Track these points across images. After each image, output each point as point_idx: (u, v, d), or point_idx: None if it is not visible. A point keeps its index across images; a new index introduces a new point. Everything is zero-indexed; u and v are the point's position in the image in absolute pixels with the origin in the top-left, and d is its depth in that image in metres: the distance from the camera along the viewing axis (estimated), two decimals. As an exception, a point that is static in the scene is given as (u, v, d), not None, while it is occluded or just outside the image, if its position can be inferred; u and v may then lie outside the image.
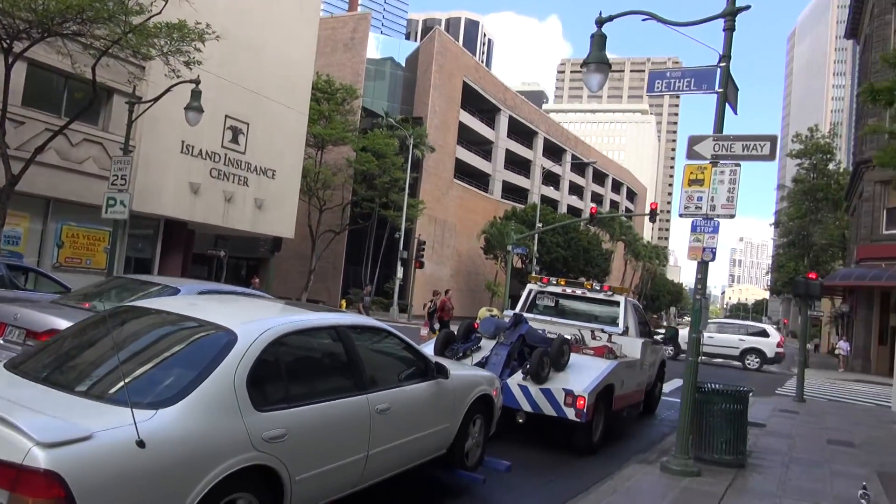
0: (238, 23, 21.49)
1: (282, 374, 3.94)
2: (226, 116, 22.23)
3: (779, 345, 26.06)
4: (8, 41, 12.85)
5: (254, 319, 4.03)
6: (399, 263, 37.33)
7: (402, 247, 37.61)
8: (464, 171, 57.30)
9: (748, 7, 6.58)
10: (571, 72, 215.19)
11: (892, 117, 20.43)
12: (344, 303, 39.34)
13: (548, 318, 9.81)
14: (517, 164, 67.23)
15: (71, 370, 3.74)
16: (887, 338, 28.18)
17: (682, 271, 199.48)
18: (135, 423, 2.95)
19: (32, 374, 3.59)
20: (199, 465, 3.17)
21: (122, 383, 3.33)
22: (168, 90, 15.24)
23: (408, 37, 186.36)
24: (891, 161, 18.98)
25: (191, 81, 14.81)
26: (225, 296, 7.12)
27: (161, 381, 3.43)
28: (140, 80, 17.86)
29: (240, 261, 46.21)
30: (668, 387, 12.84)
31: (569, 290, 10.12)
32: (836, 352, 30.63)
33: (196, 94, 14.74)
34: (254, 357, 3.63)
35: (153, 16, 13.28)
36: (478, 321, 9.03)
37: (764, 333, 26.97)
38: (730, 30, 6.66)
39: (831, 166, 50.19)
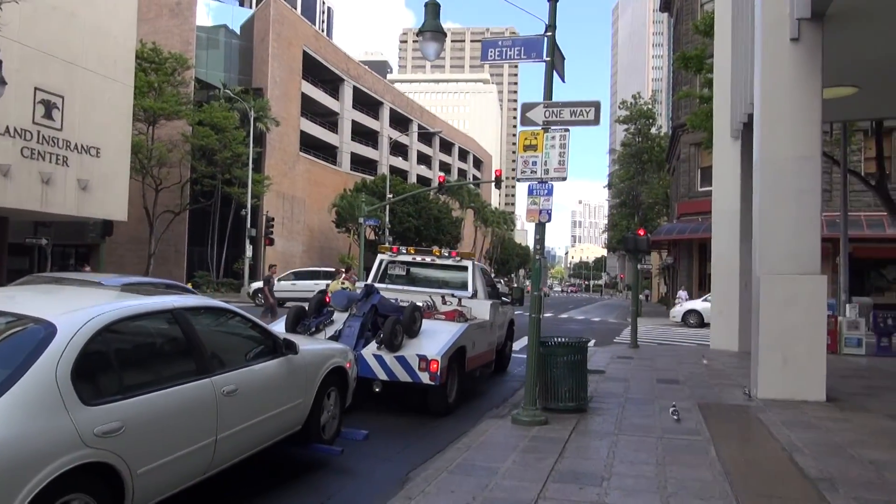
0: (43, -16, 19.32)
1: (112, 364, 3.67)
2: (35, 89, 20.03)
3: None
4: None
5: (76, 309, 3.71)
6: (248, 242, 35.93)
7: (249, 224, 36.18)
8: (310, 144, 56.00)
9: (570, -22, 6.91)
10: (414, 41, 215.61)
11: (703, 82, 22.57)
12: (190, 285, 37.31)
13: (399, 287, 9.92)
14: (364, 135, 66.76)
15: None
16: (705, 285, 31.45)
17: (529, 235, 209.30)
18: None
19: None
20: (21, 469, 2.90)
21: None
22: (-40, 59, 13.43)
23: (241, 3, 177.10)
24: (701, 123, 21.01)
25: (-12, 50, 13.17)
26: (49, 286, 6.52)
27: (-31, 384, 3.08)
28: (-76, 48, 15.62)
29: (66, 248, 42.27)
30: (517, 345, 13.51)
31: (418, 259, 10.28)
32: (676, 301, 32.24)
33: (-4, 64, 13.12)
34: (77, 349, 3.35)
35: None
36: (329, 294, 8.94)
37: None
38: (553, 1, 6.96)
39: (654, 130, 54.64)
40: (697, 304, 26.51)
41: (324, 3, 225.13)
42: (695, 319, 25.64)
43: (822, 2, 8.06)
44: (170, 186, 37.36)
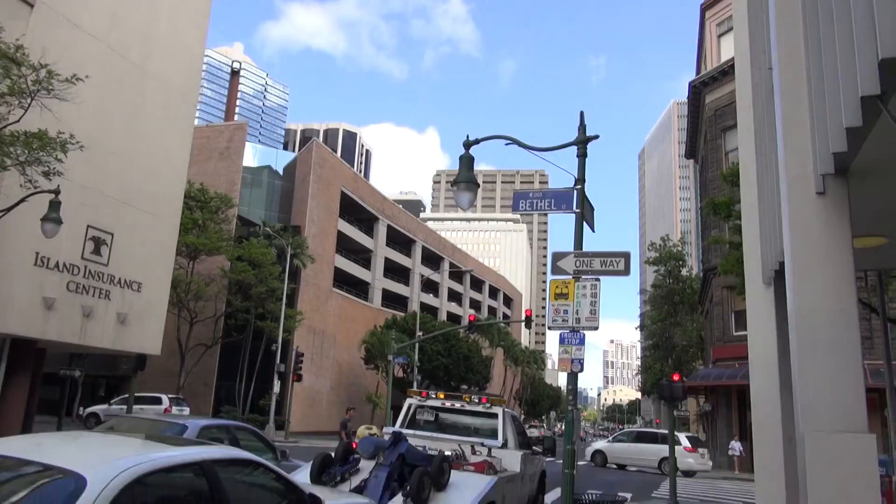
0: (106, 130, 20.90)
1: (139, 519, 3.60)
2: (88, 226, 21.07)
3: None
4: None
5: (105, 460, 3.69)
6: (276, 377, 35.81)
7: (278, 360, 36.24)
8: (343, 280, 57.08)
9: (597, 136, 7.29)
10: (447, 182, 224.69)
11: (732, 228, 22.86)
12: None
13: (428, 434, 9.68)
14: (396, 272, 68.00)
15: None
16: (747, 434, 29.96)
17: (560, 375, 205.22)
18: None
19: None
20: None
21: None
22: (22, 201, 14.34)
23: (286, 147, 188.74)
24: (732, 268, 21.02)
25: (49, 192, 14.07)
26: (76, 433, 6.51)
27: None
28: (-9, 189, 16.74)
29: (98, 380, 42.61)
30: (549, 496, 12.85)
31: (448, 404, 10.10)
32: (729, 452, 30.55)
33: (55, 206, 13.97)
34: (107, 502, 3.30)
35: (10, 124, 12.67)
36: (356, 441, 8.75)
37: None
38: (582, 156, 7.30)
39: (684, 272, 54.68)
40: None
41: (363, 145, 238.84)
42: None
43: (845, 159, 8.29)
44: (204, 320, 38.02)
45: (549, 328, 7.06)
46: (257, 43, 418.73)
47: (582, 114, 7.53)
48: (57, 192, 14.10)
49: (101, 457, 3.81)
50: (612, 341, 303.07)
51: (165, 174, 24.54)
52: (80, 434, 4.86)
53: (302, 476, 7.21)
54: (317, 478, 7.61)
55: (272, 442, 11.10)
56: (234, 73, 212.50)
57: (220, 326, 40.99)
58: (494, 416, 9.81)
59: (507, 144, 8.62)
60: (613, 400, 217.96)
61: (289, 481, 4.99)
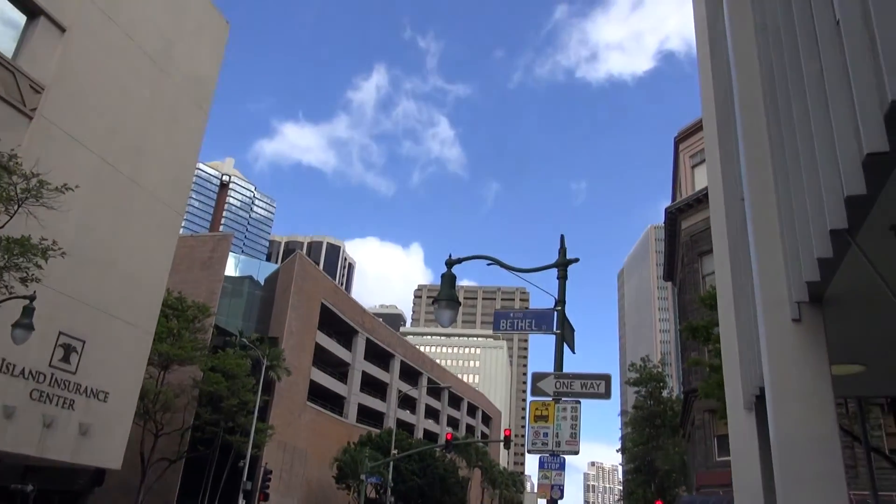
0: (89, 238, 20.97)
1: None
2: (60, 333, 20.63)
3: None
4: None
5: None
6: (241, 496, 34.01)
7: (245, 476, 34.58)
8: (318, 394, 55.72)
9: (577, 260, 7.45)
10: (428, 296, 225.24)
11: (712, 352, 22.92)
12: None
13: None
14: (373, 386, 66.65)
15: None
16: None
17: (541, 501, 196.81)
18: None
19: None
20: None
21: None
22: (-5, 305, 14.09)
23: (269, 258, 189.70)
24: (713, 392, 20.87)
25: (24, 297, 13.87)
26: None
27: None
28: (-35, 292, 16.48)
29: (51, 495, 40.08)
30: None
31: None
32: None
33: (28, 312, 13.72)
34: None
35: (-6, 229, 12.69)
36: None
37: None
38: (562, 278, 7.42)
39: (665, 393, 54.14)
40: None
41: (345, 259, 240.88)
42: None
43: (819, 287, 8.49)
44: (170, 433, 36.49)
45: (529, 451, 6.88)
46: (251, 157, 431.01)
47: (563, 237, 7.73)
48: (32, 298, 13.91)
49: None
50: (592, 464, 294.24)
51: (145, 282, 24.41)
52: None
53: None
54: None
55: None
56: (223, 186, 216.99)
57: (187, 440, 39.30)
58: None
59: (489, 264, 8.76)
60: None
61: None
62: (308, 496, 51.13)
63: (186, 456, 39.23)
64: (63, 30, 20.53)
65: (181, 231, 28.77)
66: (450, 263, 8.43)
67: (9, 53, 18.85)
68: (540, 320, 7.40)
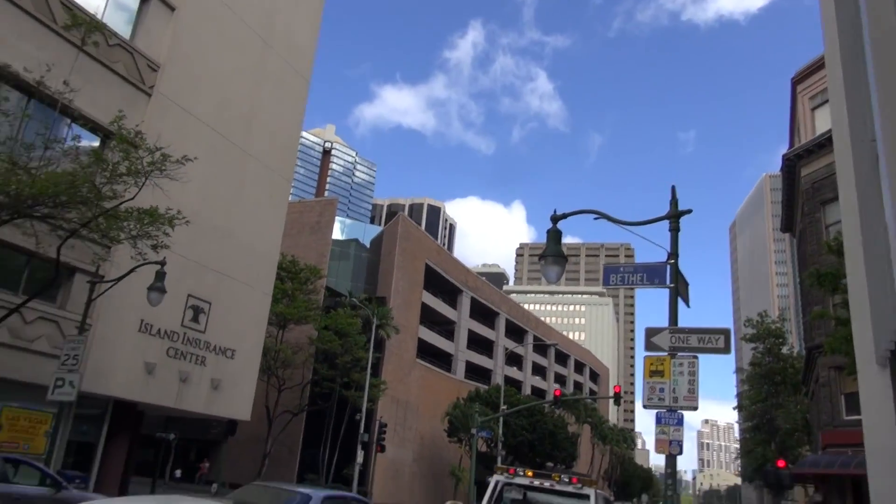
0: (208, 207, 22.24)
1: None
2: (188, 296, 22.19)
3: None
4: (-24, 222, 12.97)
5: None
6: (359, 447, 35.74)
7: (362, 429, 36.25)
8: (427, 351, 57.16)
9: (690, 211, 7.11)
10: (530, 255, 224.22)
11: (837, 304, 21.38)
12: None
13: (515, 513, 9.32)
14: (480, 344, 67.55)
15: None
16: (864, 529, 27.19)
17: (651, 455, 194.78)
18: None
19: None
20: None
21: None
22: (132, 271, 15.33)
23: (372, 220, 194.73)
24: (840, 347, 19.57)
25: (156, 263, 14.98)
26: (169, 496, 6.68)
27: None
28: (104, 260, 17.99)
29: (190, 443, 43.86)
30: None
31: (536, 482, 9.73)
32: None
33: (160, 276, 14.85)
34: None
35: (126, 201, 13.68)
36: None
37: None
38: (675, 230, 7.12)
39: (784, 350, 51.48)
40: None
41: (446, 220, 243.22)
42: None
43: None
44: (292, 387, 38.77)
45: (645, 407, 6.75)
46: (351, 123, 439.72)
47: (673, 188, 7.39)
48: (163, 263, 15.01)
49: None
50: (706, 421, 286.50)
51: (261, 247, 25.72)
52: (173, 498, 4.96)
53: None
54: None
55: None
56: (326, 153, 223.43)
57: (307, 394, 41.66)
58: (586, 497, 9.35)
59: (595, 219, 8.55)
60: (710, 485, 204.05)
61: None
62: (421, 449, 53.01)
63: (307, 409, 41.63)
64: (173, 9, 21.57)
65: (290, 198, 29.96)
66: (555, 219, 8.29)
67: (125, 35, 20.04)
68: (652, 274, 7.16)
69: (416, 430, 52.41)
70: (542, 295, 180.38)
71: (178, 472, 41.63)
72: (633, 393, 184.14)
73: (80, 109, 15.53)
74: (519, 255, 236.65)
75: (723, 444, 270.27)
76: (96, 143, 17.89)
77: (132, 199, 13.74)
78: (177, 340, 21.92)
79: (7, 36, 16.31)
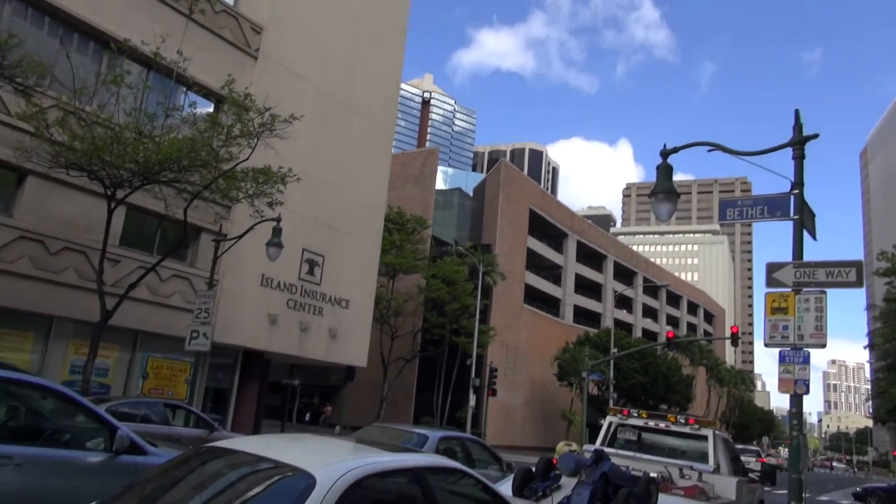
0: (316, 163, 22.99)
1: (359, 519, 3.83)
2: (303, 250, 23.25)
3: None
4: (112, 189, 14.10)
5: (331, 462, 3.98)
6: (471, 391, 36.68)
7: (473, 374, 37.11)
8: (534, 297, 57.19)
9: (816, 136, 6.59)
10: (637, 195, 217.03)
11: None
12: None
13: (630, 454, 9.29)
14: (588, 288, 66.75)
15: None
16: None
17: (773, 397, 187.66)
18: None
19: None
20: None
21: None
22: (251, 228, 16.21)
23: (474, 168, 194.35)
24: None
25: (272, 220, 15.74)
26: (299, 434, 7.12)
27: (242, 528, 3.39)
28: (225, 219, 19.11)
29: (312, 389, 46.63)
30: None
31: (651, 423, 9.64)
32: None
33: (277, 232, 15.60)
34: (333, 501, 3.56)
35: (241, 162, 14.37)
36: (556, 456, 8.63)
37: None
38: (800, 158, 6.65)
39: (923, 284, 47.50)
40: None
41: (549, 163, 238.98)
42: None
43: None
44: (403, 335, 40.12)
45: (766, 345, 6.47)
46: (449, 70, 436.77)
47: (797, 112, 6.85)
48: (279, 219, 15.75)
49: (327, 458, 4.12)
50: (833, 361, 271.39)
51: (368, 200, 26.41)
52: (302, 436, 5.31)
53: (504, 489, 7.25)
54: (518, 491, 7.62)
55: (498, 454, 11.71)
56: (425, 103, 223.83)
57: (418, 341, 43.00)
58: (704, 438, 9.17)
59: (709, 151, 8.12)
60: (837, 427, 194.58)
61: (497, 494, 5.04)
62: (532, 392, 53.68)
63: (419, 355, 43.04)
64: (272, -30, 22.00)
65: (392, 150, 30.40)
66: (665, 153, 7.96)
67: (229, 1, 20.71)
68: (773, 206, 6.74)
69: (526, 374, 53.02)
70: (651, 236, 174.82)
71: (307, 416, 44.53)
72: (751, 334, 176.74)
73: (193, 77, 16.32)
74: (626, 195, 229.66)
75: (852, 384, 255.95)
76: (210, 109, 18.82)
77: (246, 159, 14.41)
78: (295, 293, 23.13)
79: (125, 11, 17.29)
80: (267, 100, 14.50)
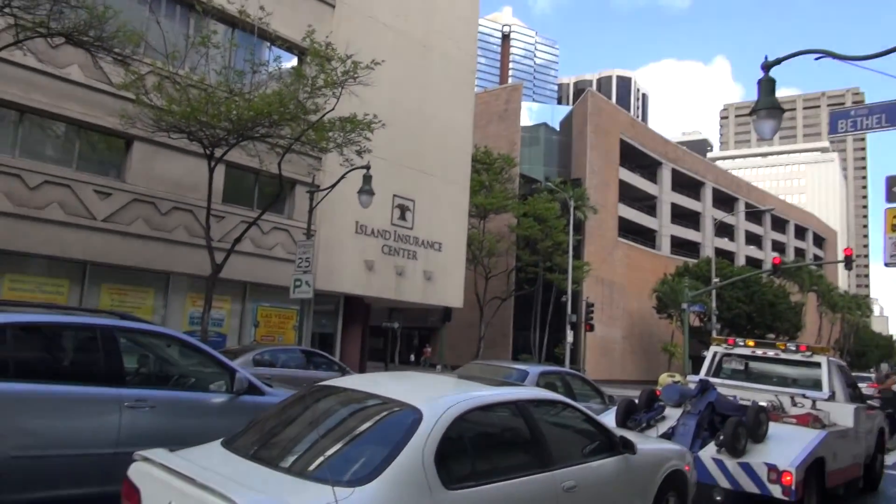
0: (400, 108, 23.00)
1: (466, 451, 3.95)
2: (393, 196, 23.58)
3: None
4: (210, 149, 14.72)
5: (436, 396, 4.10)
6: (568, 327, 36.63)
7: (569, 310, 36.96)
8: (628, 229, 55.84)
9: (947, 29, 5.91)
10: (736, 115, 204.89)
11: None
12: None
13: (737, 384, 9.05)
14: (685, 217, 64.38)
15: (274, 447, 4.01)
16: None
17: (892, 322, 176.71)
18: (336, 503, 3.10)
19: (242, 451, 3.89)
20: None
21: (320, 461, 3.53)
22: (343, 177, 16.55)
23: (559, 101, 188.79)
24: None
25: (362, 168, 16.00)
26: (404, 372, 7.39)
27: (355, 459, 3.57)
28: (318, 170, 19.59)
29: (412, 331, 48.08)
30: (891, 458, 11.22)
31: (759, 352, 9.30)
32: None
33: (367, 179, 15.86)
34: (440, 434, 3.67)
35: (327, 112, 14.59)
36: (659, 388, 8.54)
37: None
38: (926, 56, 6.01)
39: None
40: None
41: (638, 89, 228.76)
42: None
43: None
44: (497, 274, 40.34)
45: (887, 265, 6.04)
46: (529, 0, 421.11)
47: (920, 3, 6.18)
48: (368, 166, 15.99)
49: (432, 394, 4.24)
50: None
51: (453, 142, 26.30)
52: (407, 374, 5.49)
53: (607, 420, 7.27)
54: (622, 423, 7.62)
55: (599, 387, 11.79)
56: (505, 38, 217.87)
57: (512, 280, 43.16)
58: (817, 365, 8.79)
59: (816, 59, 7.49)
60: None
61: (601, 424, 5.06)
62: (630, 326, 53.05)
63: (514, 294, 43.27)
64: (343, -86, 21.70)
65: (475, 89, 29.93)
66: (767, 66, 7.41)
67: (306, -50, 20.65)
68: (893, 114, 6.17)
69: (623, 308, 52.33)
70: (753, 158, 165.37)
71: (411, 357, 46.09)
72: (866, 256, 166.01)
73: (276, 32, 16.54)
74: (723, 117, 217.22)
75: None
76: (294, 62, 19.10)
77: (332, 109, 14.61)
78: (389, 238, 23.62)
79: (205, -27, 17.62)
80: (347, 48, 14.54)
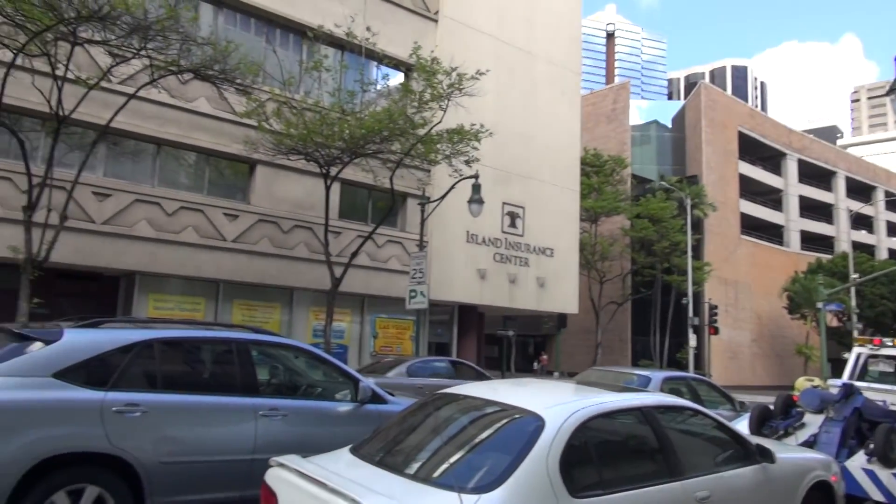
0: (506, 115, 23.04)
1: (591, 458, 3.86)
2: (503, 203, 23.60)
3: None
4: (326, 168, 15.37)
5: (558, 403, 4.04)
6: (690, 331, 35.06)
7: (691, 313, 35.38)
8: (751, 226, 52.80)
9: None
10: (869, 97, 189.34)
11: None
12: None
13: (886, 387, 8.30)
14: (814, 210, 60.03)
15: (399, 454, 4.10)
16: None
17: None
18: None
19: (369, 458, 4.01)
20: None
21: (444, 467, 3.57)
22: (452, 188, 16.76)
23: (670, 96, 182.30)
24: None
25: (471, 177, 16.15)
26: (523, 379, 7.34)
27: (479, 466, 3.58)
28: (427, 183, 19.96)
29: (526, 339, 47.76)
30: None
31: (909, 353, 8.51)
32: None
33: (476, 188, 15.98)
34: (563, 441, 3.62)
35: (435, 125, 14.86)
36: (797, 393, 7.98)
37: None
38: None
39: None
40: None
41: (755, 78, 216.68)
42: None
43: None
44: (612, 279, 39.32)
45: None
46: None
47: None
48: (476, 176, 16.12)
49: (553, 400, 4.19)
50: None
51: (561, 145, 26.00)
52: (525, 381, 5.45)
53: (740, 427, 6.88)
54: (757, 430, 7.19)
55: (728, 393, 11.25)
56: (610, 36, 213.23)
57: (628, 283, 41.90)
58: (980, 366, 7.91)
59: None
60: None
61: (734, 431, 4.80)
62: (759, 328, 50.05)
63: (631, 298, 41.96)
64: (442, -71, 22.11)
65: (581, 90, 29.45)
66: (907, 39, 6.77)
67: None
68: None
69: (750, 309, 49.45)
70: (891, 143, 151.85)
71: (534, 364, 45.63)
72: None
73: (382, 51, 17.05)
74: (854, 100, 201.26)
75: None
76: (401, 78, 19.62)
77: (440, 122, 14.86)
78: (500, 246, 23.64)
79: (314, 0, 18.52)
80: (452, 60, 14.76)
